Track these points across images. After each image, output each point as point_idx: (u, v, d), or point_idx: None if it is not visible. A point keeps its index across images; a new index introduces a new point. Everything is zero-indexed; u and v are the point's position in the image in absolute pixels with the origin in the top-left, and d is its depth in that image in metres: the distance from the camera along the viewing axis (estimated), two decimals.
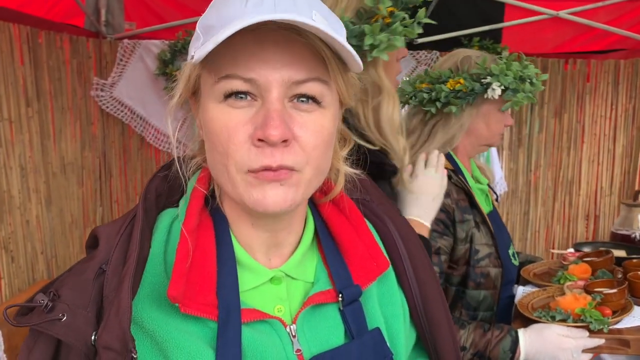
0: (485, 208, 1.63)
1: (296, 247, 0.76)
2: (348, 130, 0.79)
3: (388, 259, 0.80)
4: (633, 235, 2.86)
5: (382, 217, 0.86)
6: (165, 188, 0.76)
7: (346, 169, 0.79)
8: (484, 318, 1.57)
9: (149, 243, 0.69)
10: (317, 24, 0.58)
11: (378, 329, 0.76)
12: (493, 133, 1.66)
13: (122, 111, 3.15)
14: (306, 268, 0.76)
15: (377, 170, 1.19)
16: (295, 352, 0.69)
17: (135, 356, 0.58)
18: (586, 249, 2.61)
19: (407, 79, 1.69)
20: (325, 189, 0.78)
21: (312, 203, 0.80)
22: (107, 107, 3.10)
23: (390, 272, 0.82)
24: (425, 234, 1.38)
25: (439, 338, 0.83)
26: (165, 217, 0.73)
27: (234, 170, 0.64)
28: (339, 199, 0.80)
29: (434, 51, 3.38)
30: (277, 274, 0.73)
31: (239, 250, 0.71)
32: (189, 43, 0.69)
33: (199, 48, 0.60)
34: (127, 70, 3.11)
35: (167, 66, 3.02)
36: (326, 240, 0.78)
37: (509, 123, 1.71)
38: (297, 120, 0.63)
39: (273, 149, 0.62)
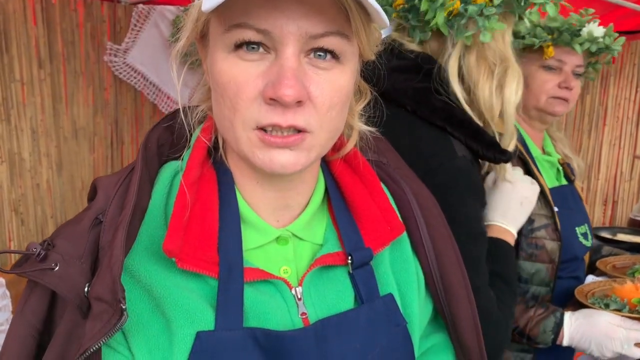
0: (552, 181, 1.50)
1: (305, 207, 0.72)
2: (366, 84, 0.73)
3: (403, 224, 0.75)
4: None
5: (398, 182, 0.80)
6: (168, 139, 0.72)
7: (361, 126, 0.74)
8: (537, 293, 1.45)
9: (148, 195, 0.66)
10: None
11: (391, 295, 0.72)
12: (535, 93, 1.47)
13: (135, 77, 3.10)
14: (315, 229, 0.72)
15: (494, 153, 1.05)
16: (300, 315, 0.65)
17: (124, 307, 0.54)
18: (604, 234, 2.56)
19: None
20: (337, 144, 0.73)
21: (324, 160, 0.76)
22: (120, 73, 3.06)
23: (404, 238, 0.78)
24: (511, 241, 1.20)
25: (457, 311, 0.78)
26: (168, 169, 0.69)
27: (240, 126, 0.59)
28: (352, 156, 0.75)
29: None
30: (283, 233, 0.69)
31: (243, 207, 0.67)
32: None
33: None
34: (141, 36, 3.05)
35: None
36: (337, 201, 0.74)
37: (566, 84, 1.46)
38: (314, 78, 0.58)
39: (285, 108, 0.57)
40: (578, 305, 1.39)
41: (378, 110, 0.78)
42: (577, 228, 1.50)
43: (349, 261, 0.69)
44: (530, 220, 1.37)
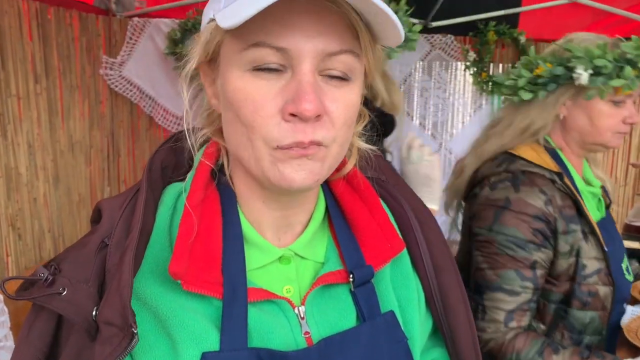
0: (595, 215, 1.43)
1: (306, 226, 0.72)
2: (364, 107, 0.75)
3: (403, 241, 0.76)
4: None
5: (398, 199, 0.81)
6: (171, 161, 0.73)
7: (360, 144, 0.75)
8: (591, 342, 1.36)
9: (153, 217, 0.66)
10: None
11: (392, 312, 0.72)
12: (599, 129, 1.38)
13: (131, 90, 3.11)
14: (316, 247, 0.73)
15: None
16: (304, 334, 0.66)
17: (135, 331, 0.55)
18: None
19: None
20: (339, 164, 0.75)
21: (324, 180, 0.77)
22: (116, 86, 3.07)
23: (404, 255, 0.78)
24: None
25: (455, 327, 0.79)
26: (171, 191, 0.70)
27: (261, 144, 0.60)
28: (352, 176, 0.76)
29: (449, 35, 3.32)
30: (286, 253, 0.69)
31: (246, 228, 0.68)
32: (200, 22, 0.65)
33: (227, 12, 0.56)
34: (137, 49, 3.07)
35: (177, 45, 2.97)
36: (338, 219, 0.74)
37: (632, 119, 1.39)
38: (329, 94, 0.60)
39: (305, 124, 0.58)
40: (630, 347, 1.32)
41: (376, 129, 0.79)
42: (621, 264, 1.43)
43: (351, 279, 0.70)
44: (582, 266, 1.32)
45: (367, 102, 1.85)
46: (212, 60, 0.65)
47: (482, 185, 1.41)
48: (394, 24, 0.57)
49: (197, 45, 0.64)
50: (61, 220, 2.83)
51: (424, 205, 0.84)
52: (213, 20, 0.60)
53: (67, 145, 2.84)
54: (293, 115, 0.58)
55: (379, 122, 1.47)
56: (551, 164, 1.37)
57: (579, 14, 3.14)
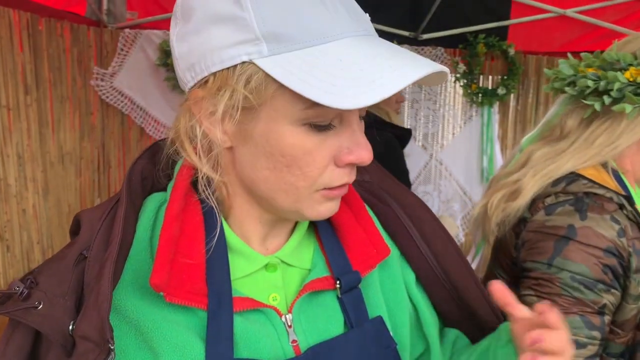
0: None
1: (292, 233, 0.73)
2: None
3: (388, 246, 0.76)
4: None
5: (384, 199, 0.82)
6: (152, 170, 0.72)
7: None
8: None
9: (133, 228, 0.65)
10: (443, 66, 0.58)
11: (380, 318, 0.72)
12: None
13: (122, 101, 3.11)
14: (303, 254, 0.73)
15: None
16: (291, 342, 0.65)
17: (112, 347, 0.54)
18: None
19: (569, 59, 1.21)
20: None
21: None
22: (107, 97, 3.07)
23: (392, 259, 0.78)
24: None
25: (472, 303, 0.81)
26: (152, 201, 0.69)
27: (307, 188, 0.62)
28: None
29: (439, 47, 3.34)
30: (272, 260, 0.69)
31: (230, 236, 0.67)
32: None
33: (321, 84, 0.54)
34: (128, 60, 3.07)
35: (169, 57, 2.98)
36: (323, 226, 0.75)
37: None
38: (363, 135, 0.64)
39: (352, 168, 0.63)
40: None
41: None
42: None
43: (338, 285, 0.70)
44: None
45: (382, 121, 2.22)
46: (250, 107, 0.60)
47: (534, 209, 1.15)
48: (446, 77, 0.61)
49: (225, 88, 0.59)
50: (50, 232, 2.81)
51: (414, 197, 0.85)
52: (251, 63, 0.57)
53: (57, 157, 2.83)
54: (350, 162, 0.62)
55: (397, 135, 1.72)
56: (615, 186, 1.12)
57: (567, 27, 3.18)
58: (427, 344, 0.82)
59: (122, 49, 3.07)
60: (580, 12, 3.05)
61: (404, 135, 2.28)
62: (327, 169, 0.61)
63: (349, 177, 0.63)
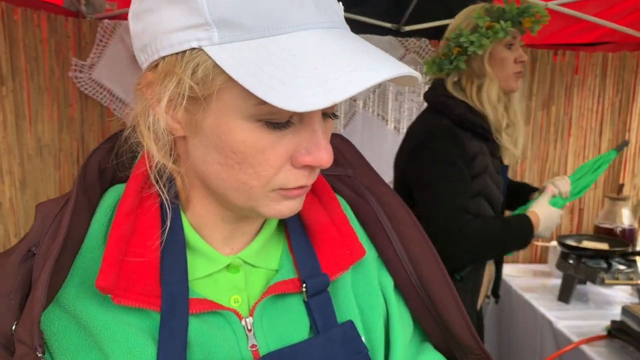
0: None
1: (258, 233, 0.70)
2: None
3: (363, 247, 0.73)
4: (616, 229, 2.84)
5: (364, 195, 0.78)
6: (112, 161, 0.68)
7: None
8: None
9: (87, 223, 0.62)
10: (410, 69, 0.53)
11: (350, 322, 0.69)
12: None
13: (101, 93, 3.06)
14: (270, 254, 0.70)
15: (459, 120, 1.74)
16: (250, 347, 0.63)
17: (40, 355, 0.51)
18: (570, 242, 2.60)
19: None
20: None
21: None
22: (86, 89, 3.02)
23: (367, 261, 0.75)
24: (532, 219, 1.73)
25: (447, 317, 0.76)
26: (111, 194, 0.66)
27: (261, 188, 0.58)
28: None
29: (423, 39, 3.32)
30: (234, 260, 0.66)
31: (190, 234, 0.64)
32: None
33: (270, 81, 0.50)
34: (107, 52, 3.02)
35: None
36: (293, 225, 0.72)
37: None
38: (325, 133, 0.60)
39: (312, 169, 0.59)
40: None
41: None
42: None
43: (304, 289, 0.67)
44: None
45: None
46: (195, 98, 0.56)
47: None
48: (416, 82, 0.55)
49: (172, 76, 0.56)
50: (28, 225, 2.76)
51: (394, 196, 0.79)
52: (200, 50, 0.53)
53: (35, 149, 2.78)
54: (308, 165, 0.58)
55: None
56: None
57: (549, 20, 3.17)
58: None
59: (100, 40, 3.01)
60: (563, 5, 3.05)
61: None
62: (282, 169, 0.58)
63: (307, 179, 0.59)
